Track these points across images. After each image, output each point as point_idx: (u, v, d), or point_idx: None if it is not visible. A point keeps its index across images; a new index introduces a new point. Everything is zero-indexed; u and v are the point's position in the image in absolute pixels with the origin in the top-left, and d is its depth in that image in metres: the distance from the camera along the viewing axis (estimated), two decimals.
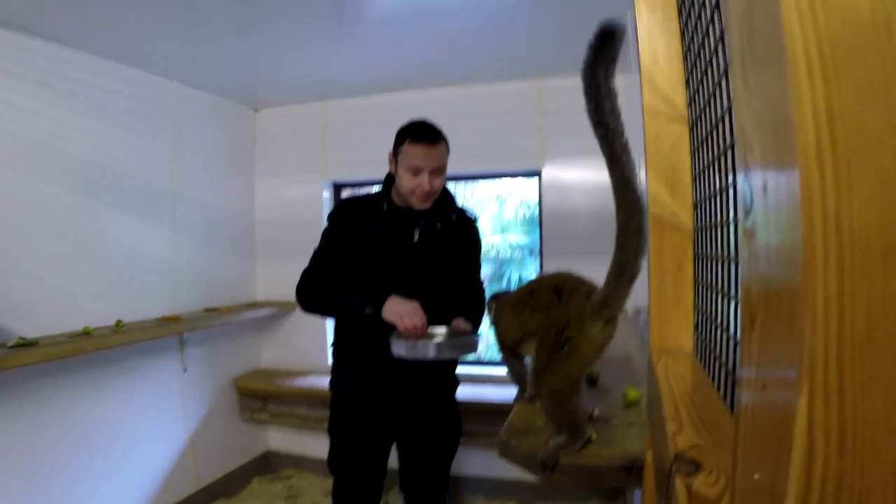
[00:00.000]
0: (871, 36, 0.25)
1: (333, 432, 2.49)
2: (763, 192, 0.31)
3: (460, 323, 2.27)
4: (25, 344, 2.57)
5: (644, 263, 1.16)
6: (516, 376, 1.67)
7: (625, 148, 1.20)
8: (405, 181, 2.25)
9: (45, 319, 2.85)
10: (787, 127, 0.27)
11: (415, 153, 2.22)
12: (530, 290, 1.50)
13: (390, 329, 2.14)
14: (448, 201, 2.43)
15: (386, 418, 2.44)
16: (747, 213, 0.34)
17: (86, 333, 2.91)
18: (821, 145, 0.26)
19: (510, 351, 1.58)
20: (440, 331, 2.27)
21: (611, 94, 1.17)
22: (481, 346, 2.25)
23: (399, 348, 2.07)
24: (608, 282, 1.28)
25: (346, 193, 4.44)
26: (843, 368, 0.26)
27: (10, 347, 2.53)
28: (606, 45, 1.10)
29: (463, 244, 2.48)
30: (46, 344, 2.64)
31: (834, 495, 0.27)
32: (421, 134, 2.25)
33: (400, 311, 2.11)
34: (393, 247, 2.32)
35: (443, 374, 2.49)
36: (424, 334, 2.13)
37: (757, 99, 0.32)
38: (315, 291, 2.32)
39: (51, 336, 2.82)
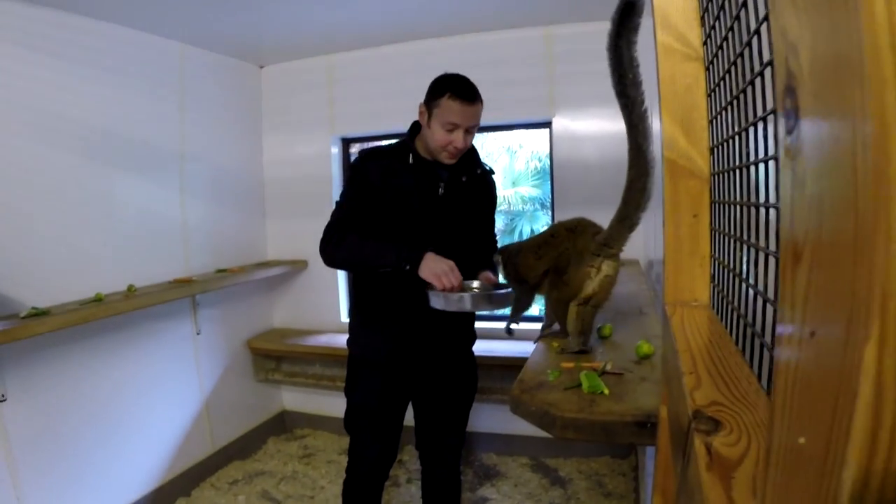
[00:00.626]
0: None
1: (350, 391, 2.48)
2: (813, 98, 0.26)
3: (489, 275, 2.29)
4: (38, 314, 2.57)
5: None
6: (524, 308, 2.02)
7: (642, 116, 1.45)
8: (438, 135, 2.20)
9: (57, 288, 2.85)
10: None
11: (452, 109, 2.16)
12: (551, 234, 1.87)
13: (419, 283, 2.14)
14: (472, 155, 2.40)
15: (405, 374, 2.44)
16: (790, 129, 0.29)
17: (98, 300, 2.90)
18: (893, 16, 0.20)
19: (531, 289, 1.96)
20: (473, 284, 2.29)
21: (633, 65, 1.42)
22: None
23: (437, 301, 2.07)
24: (611, 226, 1.65)
25: (354, 148, 4.39)
26: None
27: (23, 318, 2.52)
28: (628, 17, 1.34)
29: (483, 197, 2.47)
30: (59, 312, 2.63)
31: None
32: (462, 91, 2.17)
33: (437, 270, 2.09)
34: (418, 199, 2.29)
35: (463, 328, 2.50)
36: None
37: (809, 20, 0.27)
38: (343, 244, 2.26)
39: (63, 304, 2.81)
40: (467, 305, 2.08)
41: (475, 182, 2.40)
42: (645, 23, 1.56)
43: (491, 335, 3.66)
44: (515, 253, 2.04)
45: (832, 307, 0.25)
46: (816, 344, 0.27)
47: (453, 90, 2.17)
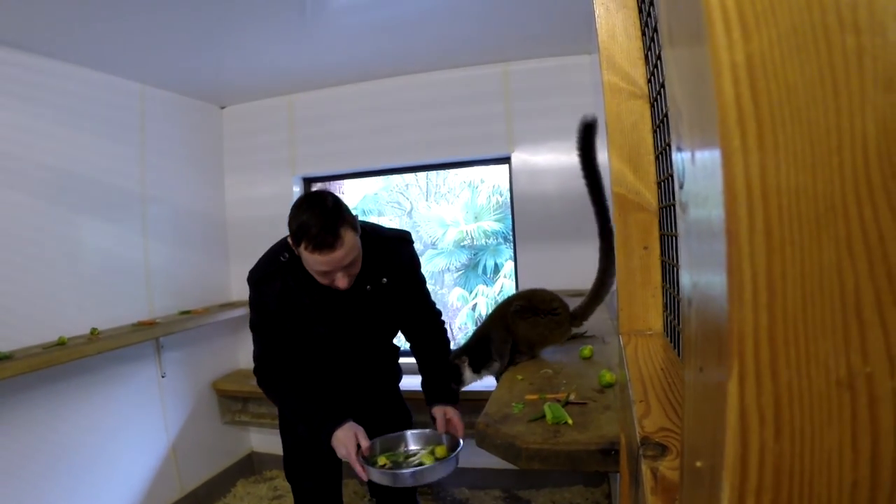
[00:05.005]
0: None
1: (284, 435, 2.43)
2: (692, 161, 0.29)
3: (441, 421, 2.23)
4: (1, 358, 2.51)
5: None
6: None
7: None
8: (315, 276, 2.04)
9: (19, 332, 2.78)
10: (706, 85, 0.25)
11: (315, 260, 1.93)
12: (541, 306, 2.03)
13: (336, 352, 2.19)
14: (373, 262, 2.18)
15: None
16: (681, 185, 0.33)
17: (61, 343, 2.84)
18: (741, 102, 0.23)
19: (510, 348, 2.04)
20: (423, 435, 2.21)
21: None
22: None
23: (376, 477, 1.98)
24: (585, 304, 2.05)
25: (316, 187, 4.40)
26: (776, 347, 0.24)
27: None
28: (589, 136, 1.60)
29: (400, 284, 2.29)
30: (21, 357, 2.58)
31: (773, 482, 0.25)
32: (317, 242, 1.90)
33: (336, 443, 2.04)
34: (324, 318, 2.16)
35: (385, 369, 2.46)
36: (367, 454, 2.05)
37: (681, 59, 0.30)
38: (274, 390, 2.20)
39: (25, 348, 2.76)
40: (407, 482, 2.00)
41: (384, 277, 2.23)
42: (596, 61, 1.62)
43: None
44: (500, 337, 2.04)
45: (711, 347, 0.28)
46: (704, 378, 0.30)
47: (309, 241, 1.91)
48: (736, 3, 0.23)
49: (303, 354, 2.21)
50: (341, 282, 1.98)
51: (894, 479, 0.24)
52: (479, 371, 2.05)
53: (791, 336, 0.24)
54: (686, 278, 0.34)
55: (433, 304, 2.46)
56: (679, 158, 0.33)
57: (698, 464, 0.30)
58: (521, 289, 3.21)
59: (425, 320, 2.43)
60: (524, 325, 1.97)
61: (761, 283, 0.24)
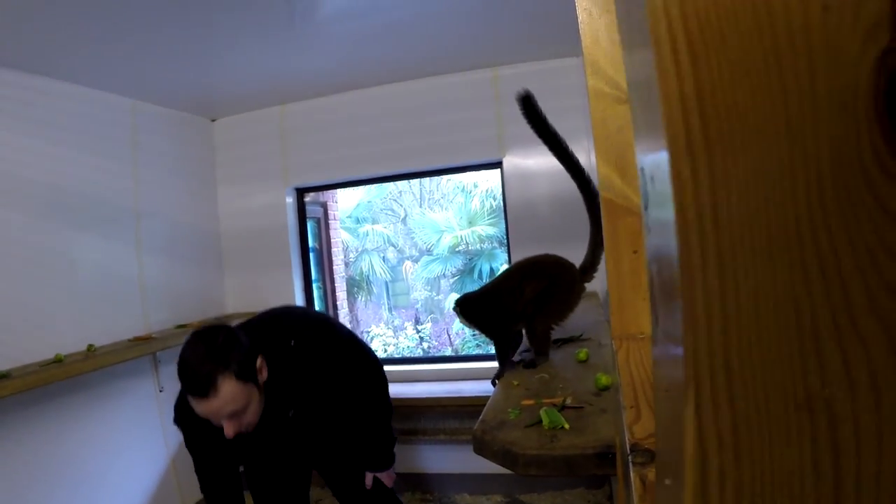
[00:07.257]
0: (745, 4, 0.23)
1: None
2: (651, 182, 0.30)
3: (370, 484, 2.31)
4: None
5: None
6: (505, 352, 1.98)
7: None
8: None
9: (15, 349, 2.77)
10: (656, 113, 0.25)
11: (194, 405, 1.79)
12: (534, 262, 2.00)
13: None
14: (299, 382, 2.10)
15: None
16: (646, 207, 0.33)
17: (58, 361, 2.83)
18: (690, 131, 0.24)
19: (511, 325, 1.97)
20: None
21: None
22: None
23: None
24: (591, 253, 1.99)
25: (309, 198, 4.41)
26: (731, 373, 0.24)
27: None
28: (530, 107, 1.75)
29: (329, 398, 2.27)
30: (18, 375, 2.57)
31: None
32: (190, 387, 1.78)
33: None
34: (265, 442, 2.16)
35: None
36: None
37: (637, 83, 0.30)
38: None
39: (22, 366, 2.74)
40: None
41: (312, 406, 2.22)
42: (581, 64, 1.64)
43: (457, 376, 3.67)
44: (492, 292, 2.01)
45: (672, 372, 0.28)
46: (669, 397, 0.30)
47: (183, 382, 1.82)
48: (684, 30, 0.23)
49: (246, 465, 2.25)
50: (228, 431, 1.81)
51: (858, 498, 0.24)
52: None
53: (747, 362, 0.24)
54: (651, 299, 0.34)
55: (377, 409, 2.35)
56: (642, 179, 0.33)
57: (667, 482, 0.30)
58: None
59: (359, 404, 2.34)
60: (541, 320, 1.92)
61: (715, 311, 0.24)
